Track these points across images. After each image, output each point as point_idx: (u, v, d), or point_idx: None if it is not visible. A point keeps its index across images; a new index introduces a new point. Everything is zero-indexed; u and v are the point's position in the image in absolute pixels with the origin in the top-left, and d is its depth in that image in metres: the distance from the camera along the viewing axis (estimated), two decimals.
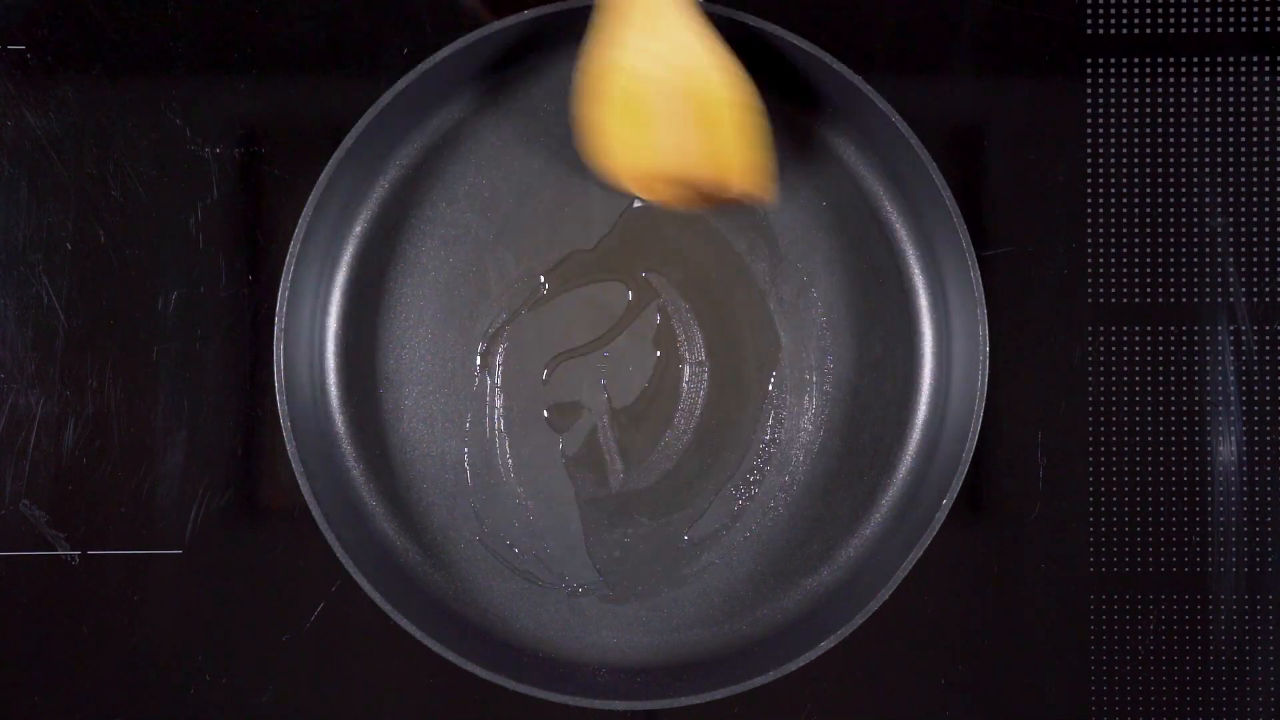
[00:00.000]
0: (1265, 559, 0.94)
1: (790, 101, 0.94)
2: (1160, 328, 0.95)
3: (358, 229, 0.94)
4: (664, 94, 0.81)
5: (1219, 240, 0.95)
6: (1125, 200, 0.96)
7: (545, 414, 0.94)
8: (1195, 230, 0.95)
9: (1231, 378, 0.95)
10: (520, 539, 0.94)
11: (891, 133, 0.89)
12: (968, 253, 0.89)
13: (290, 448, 0.88)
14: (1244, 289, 0.95)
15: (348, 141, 0.89)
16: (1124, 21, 0.96)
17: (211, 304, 0.95)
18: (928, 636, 0.95)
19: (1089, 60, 0.96)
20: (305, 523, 0.91)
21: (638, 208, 0.93)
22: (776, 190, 0.90)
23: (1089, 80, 0.96)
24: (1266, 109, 0.95)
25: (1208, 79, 0.95)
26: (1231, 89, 0.95)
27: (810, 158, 0.94)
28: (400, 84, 0.89)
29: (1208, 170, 0.95)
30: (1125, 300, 0.95)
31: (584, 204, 0.93)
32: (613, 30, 0.81)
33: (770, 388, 0.94)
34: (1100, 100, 0.96)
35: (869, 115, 0.90)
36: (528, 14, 0.89)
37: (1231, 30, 0.96)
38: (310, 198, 0.89)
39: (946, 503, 0.88)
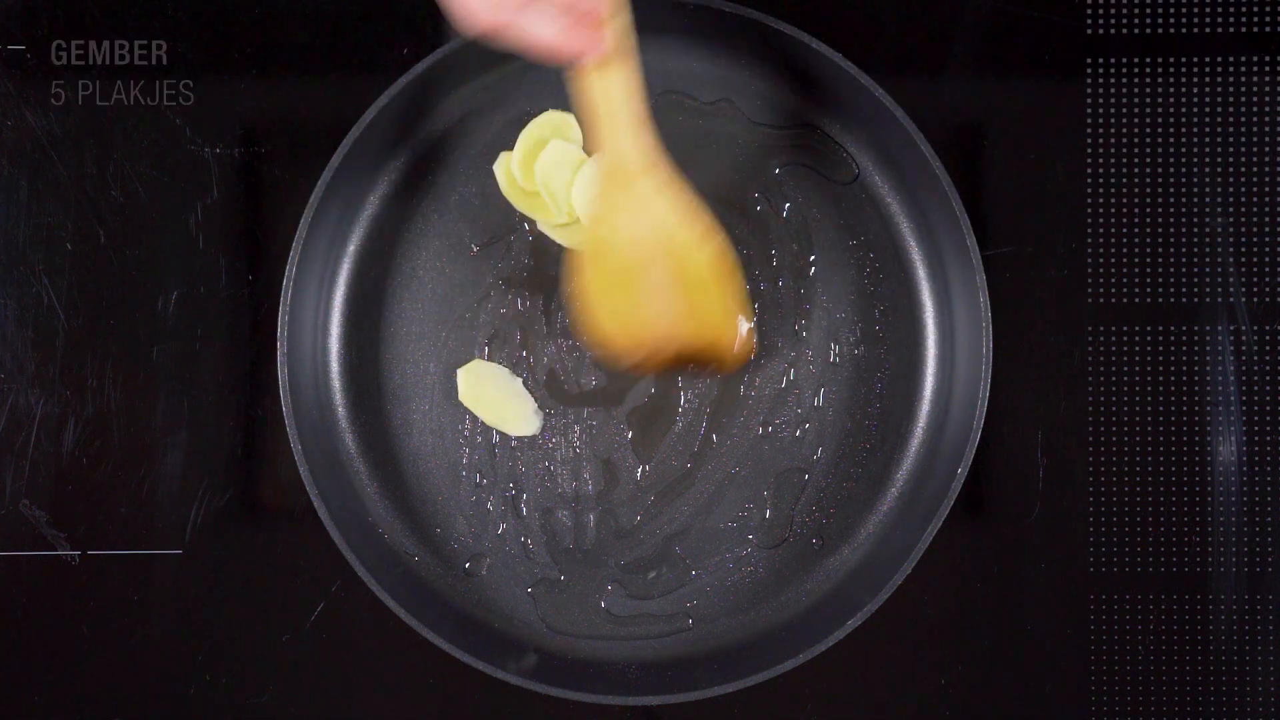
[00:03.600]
0: (1265, 559, 0.94)
1: (796, 100, 0.94)
2: (1160, 328, 0.95)
3: (359, 229, 0.94)
4: (647, 262, 0.85)
5: (1219, 240, 0.95)
6: (1125, 200, 0.96)
7: (549, 413, 0.94)
8: (1195, 230, 0.95)
9: (1231, 378, 0.95)
10: (534, 535, 0.94)
11: (898, 133, 0.90)
12: (972, 253, 0.89)
13: (295, 448, 0.88)
14: (1244, 289, 0.95)
15: (348, 142, 0.89)
16: (1124, 21, 0.96)
17: (211, 304, 0.95)
18: (928, 636, 0.95)
19: (1089, 60, 0.96)
20: (305, 523, 0.91)
21: None
22: (757, 347, 0.92)
23: (1089, 80, 0.96)
24: (1266, 109, 0.95)
25: (1208, 79, 0.95)
26: (1231, 89, 0.95)
27: (814, 159, 0.94)
28: (400, 84, 0.89)
29: (1208, 170, 0.95)
30: (1125, 300, 0.95)
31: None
32: (608, 199, 0.84)
33: (774, 388, 0.94)
34: (1100, 100, 0.96)
35: (875, 114, 0.90)
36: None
37: (1231, 30, 0.96)
38: (311, 198, 0.89)
39: (946, 503, 0.88)
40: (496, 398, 0.93)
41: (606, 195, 0.84)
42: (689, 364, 0.91)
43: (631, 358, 0.88)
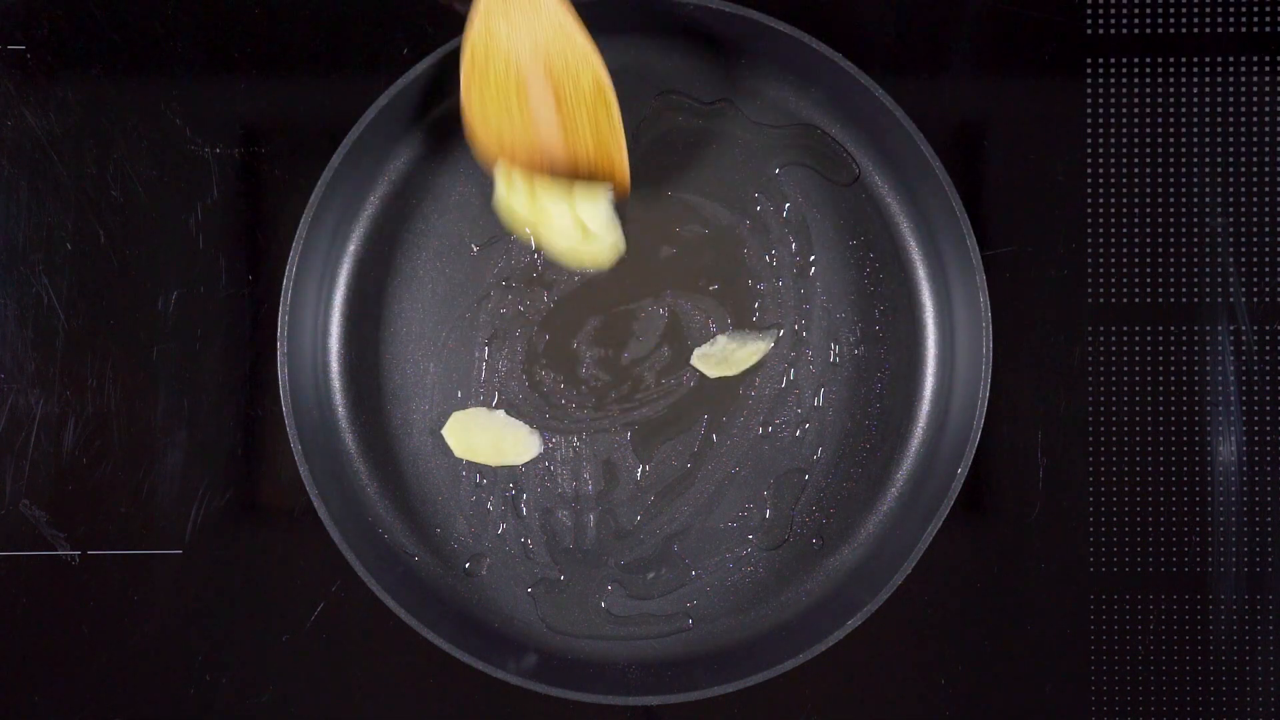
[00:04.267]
0: (1265, 559, 0.94)
1: (796, 100, 0.94)
2: (1160, 328, 0.95)
3: (359, 229, 0.94)
4: (533, 78, 0.87)
5: (1219, 240, 0.95)
6: (1125, 200, 0.96)
7: (550, 412, 0.94)
8: (1195, 230, 0.95)
9: (1231, 378, 0.95)
10: (533, 535, 0.94)
11: (898, 133, 0.90)
12: (972, 253, 0.89)
13: (295, 448, 0.88)
14: (1244, 289, 0.95)
15: (348, 141, 0.89)
16: (1124, 21, 0.96)
17: (211, 304, 0.95)
18: (928, 636, 0.95)
19: (1089, 60, 0.96)
20: (305, 523, 0.91)
21: (633, 210, 0.93)
22: (629, 182, 0.91)
23: (1089, 80, 0.96)
24: (1266, 109, 0.95)
25: (1208, 79, 0.95)
26: (1231, 89, 0.95)
27: (814, 159, 0.94)
28: (399, 84, 0.89)
29: (1208, 170, 0.95)
30: (1125, 300, 0.95)
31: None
32: (491, 11, 0.85)
33: (774, 389, 0.94)
34: (1100, 100, 0.96)
35: (875, 114, 0.90)
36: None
37: (1231, 30, 0.96)
38: (311, 198, 0.89)
39: (946, 503, 0.88)
40: (487, 440, 0.93)
41: (503, 9, 0.86)
42: (569, 178, 0.91)
43: (510, 165, 0.89)
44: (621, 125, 0.89)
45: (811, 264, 0.94)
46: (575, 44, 0.86)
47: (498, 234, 0.94)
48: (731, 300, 0.94)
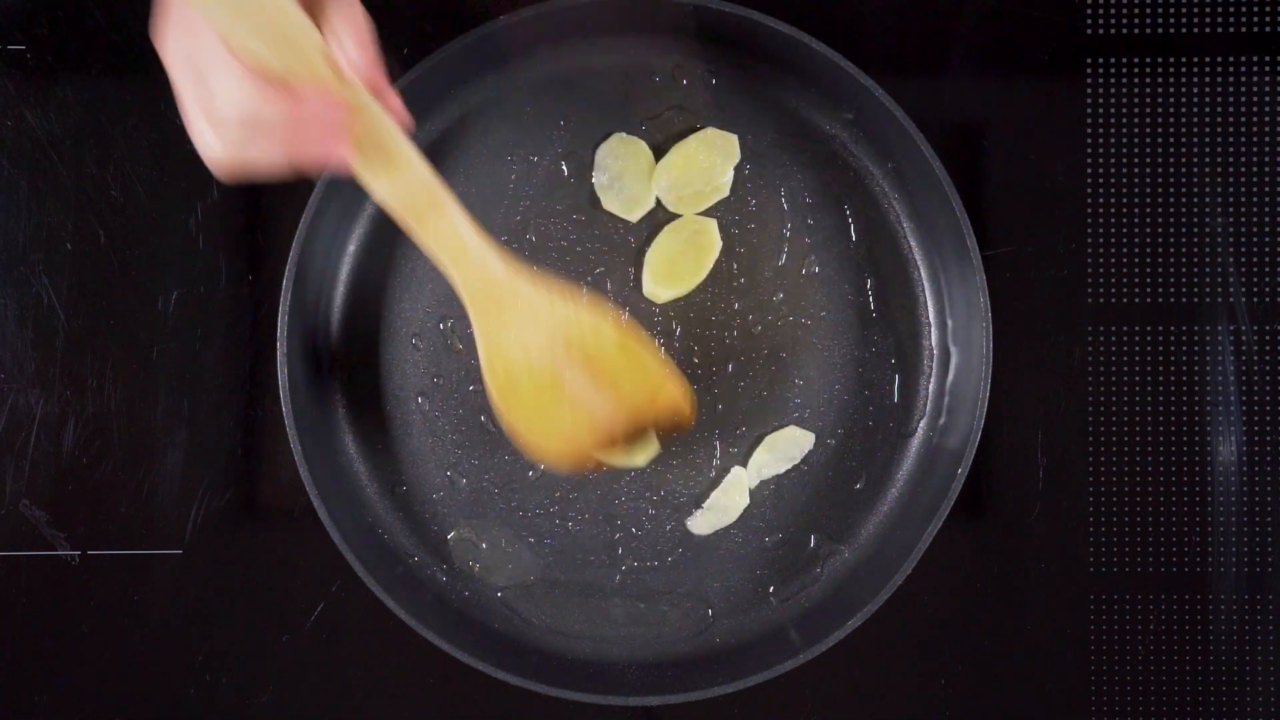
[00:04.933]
0: (1265, 559, 0.94)
1: (796, 100, 0.94)
2: (1160, 328, 0.95)
3: (359, 229, 0.94)
4: (557, 368, 0.80)
5: (1219, 240, 0.95)
6: (1125, 200, 0.96)
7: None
8: (1195, 230, 0.95)
9: (1231, 378, 0.95)
10: (541, 533, 0.94)
11: (898, 133, 0.90)
12: (972, 253, 0.89)
13: (295, 448, 0.88)
14: (1244, 289, 0.95)
15: None
16: (1124, 21, 0.96)
17: (211, 304, 0.95)
18: (928, 636, 0.95)
19: (1089, 60, 0.96)
20: (305, 523, 0.91)
21: (636, 222, 0.93)
22: (692, 405, 0.88)
23: (1089, 80, 0.96)
24: (1266, 109, 0.95)
25: (1208, 79, 0.95)
26: (1231, 89, 0.95)
27: (814, 159, 0.94)
28: (399, 84, 0.88)
29: (1208, 170, 0.95)
30: (1125, 300, 0.95)
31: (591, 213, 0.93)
32: (490, 332, 0.80)
33: (774, 390, 0.94)
34: (1100, 100, 0.96)
35: (875, 114, 0.91)
36: (528, 11, 0.89)
37: (1231, 30, 0.96)
38: (311, 198, 0.89)
39: (946, 503, 0.88)
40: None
41: (484, 321, 0.80)
42: (646, 432, 0.88)
43: (588, 460, 0.85)
44: (659, 355, 0.84)
45: (811, 264, 0.94)
46: (577, 317, 0.80)
47: (498, 235, 0.94)
48: (731, 300, 0.94)
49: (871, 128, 0.93)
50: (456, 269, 0.78)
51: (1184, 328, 0.95)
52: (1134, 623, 0.95)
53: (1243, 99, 0.95)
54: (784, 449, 0.93)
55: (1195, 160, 0.95)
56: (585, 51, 0.93)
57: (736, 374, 0.94)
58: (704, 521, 0.93)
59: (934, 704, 0.95)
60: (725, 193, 0.93)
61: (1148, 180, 0.96)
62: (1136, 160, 0.96)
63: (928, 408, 0.94)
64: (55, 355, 0.95)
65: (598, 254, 0.94)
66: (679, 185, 0.93)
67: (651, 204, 0.93)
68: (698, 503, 0.93)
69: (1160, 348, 0.95)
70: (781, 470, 0.93)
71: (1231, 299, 0.95)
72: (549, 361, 0.80)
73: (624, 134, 0.92)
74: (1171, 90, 0.96)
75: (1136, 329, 0.95)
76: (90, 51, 0.95)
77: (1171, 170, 0.95)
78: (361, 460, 0.94)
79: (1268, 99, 0.95)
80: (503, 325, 0.79)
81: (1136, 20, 0.96)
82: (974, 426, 0.89)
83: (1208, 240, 0.95)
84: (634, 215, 0.93)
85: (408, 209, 0.76)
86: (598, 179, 0.93)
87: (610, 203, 0.93)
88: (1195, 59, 0.95)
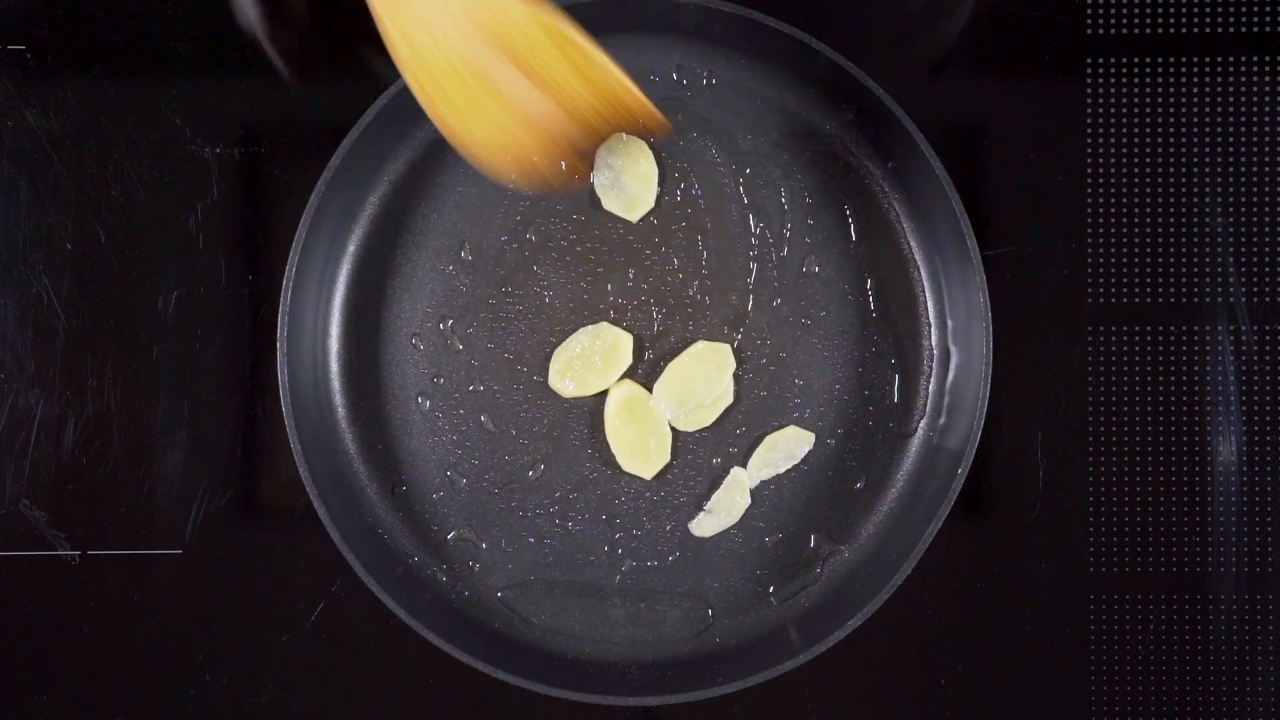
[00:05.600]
0: (1265, 559, 0.94)
1: (796, 100, 0.94)
2: (1160, 328, 0.95)
3: (359, 229, 0.94)
4: (480, 60, 0.71)
5: (1219, 240, 0.95)
6: (1125, 200, 0.96)
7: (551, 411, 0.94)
8: (1195, 230, 0.95)
9: (1231, 378, 0.95)
10: (542, 534, 0.94)
11: (898, 133, 0.90)
12: (972, 253, 0.89)
13: (295, 448, 0.88)
14: (1244, 289, 0.95)
15: (348, 141, 0.89)
16: (1124, 21, 0.96)
17: (211, 304, 0.95)
18: (928, 636, 0.95)
19: (1089, 60, 0.96)
20: (305, 523, 0.91)
21: (637, 222, 0.93)
22: (656, 113, 0.81)
23: (1089, 80, 0.96)
24: (1266, 109, 0.95)
25: (1208, 79, 0.95)
26: (1231, 89, 0.95)
27: (814, 159, 0.94)
28: (400, 84, 0.88)
29: (1208, 170, 0.95)
30: (1125, 300, 0.95)
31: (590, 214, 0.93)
32: (396, 23, 0.72)
33: (774, 390, 0.94)
34: (1100, 100, 0.96)
35: (875, 114, 0.91)
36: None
37: (1231, 30, 0.96)
38: (311, 198, 0.89)
39: (946, 503, 0.88)
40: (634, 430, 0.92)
41: (387, 10, 0.72)
42: (601, 135, 0.80)
43: (538, 167, 0.77)
44: (608, 60, 0.75)
45: (811, 264, 0.94)
46: (498, 5, 0.70)
47: (498, 235, 0.94)
48: (731, 300, 0.94)
49: (871, 128, 0.93)
50: None
51: (1184, 328, 0.95)
52: (1134, 623, 0.94)
53: (1243, 99, 0.95)
54: (784, 449, 0.93)
55: (1195, 160, 0.95)
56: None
57: (736, 374, 0.93)
58: (706, 524, 0.93)
59: (934, 704, 0.95)
60: (730, 399, 0.93)
61: (1148, 180, 0.96)
62: (1136, 160, 0.96)
63: (928, 408, 0.94)
64: (55, 355, 0.95)
65: (598, 254, 0.94)
66: (683, 403, 0.93)
67: (651, 204, 0.93)
68: (698, 503, 0.93)
69: (1160, 348, 0.95)
70: (781, 470, 0.93)
71: (1231, 299, 0.95)
72: (464, 49, 0.71)
73: (624, 134, 0.92)
74: (1171, 90, 0.95)
75: (1136, 329, 0.95)
76: (90, 51, 0.95)
77: (1171, 170, 0.95)
78: (361, 460, 0.94)
79: (1268, 99, 0.95)
80: (408, 11, 0.71)
81: (1136, 20, 0.96)
82: (974, 426, 0.89)
83: (1208, 240, 0.95)
84: (634, 215, 0.93)
85: None
86: (598, 179, 0.93)
87: (610, 203, 0.93)
88: (1195, 59, 0.95)
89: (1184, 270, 0.95)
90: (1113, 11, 0.96)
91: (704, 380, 0.92)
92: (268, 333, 0.91)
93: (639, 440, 0.92)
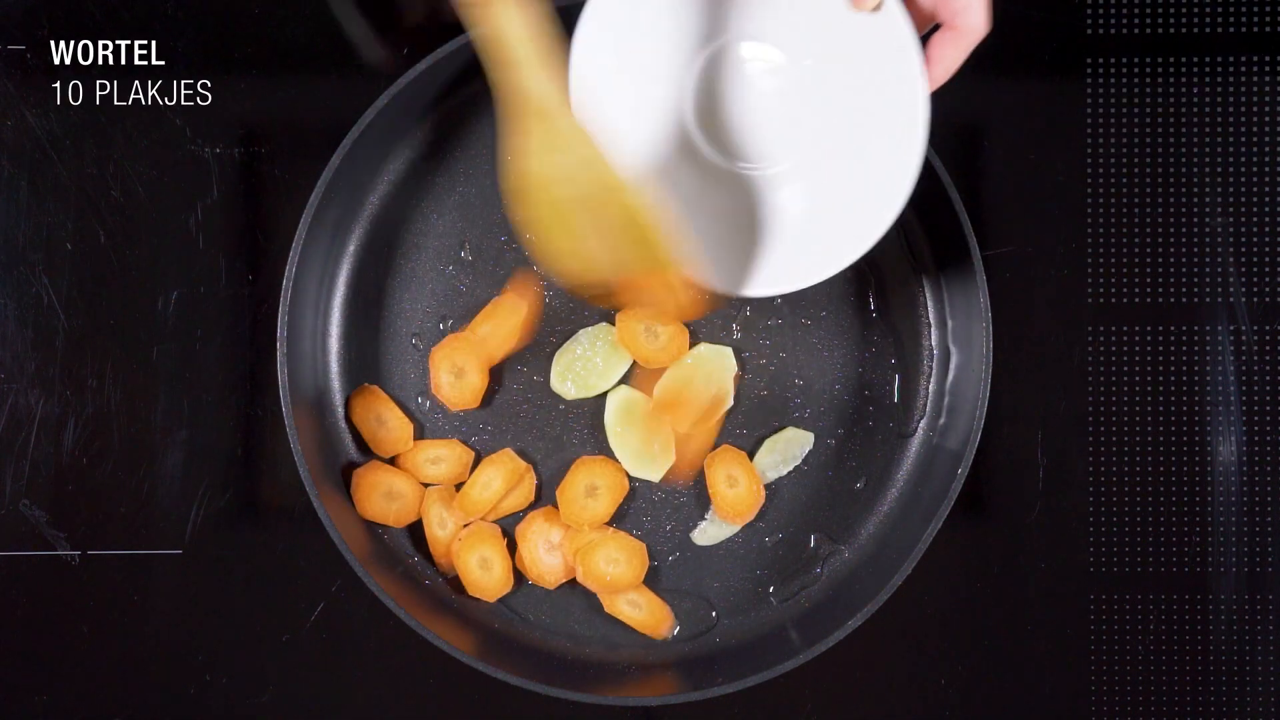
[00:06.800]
0: (1265, 559, 0.94)
1: None
2: (1160, 328, 0.95)
3: (359, 229, 0.94)
4: (581, 201, 0.80)
5: (1219, 240, 0.95)
6: (1125, 200, 0.96)
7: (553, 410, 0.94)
8: (1195, 230, 0.95)
9: (1231, 378, 0.95)
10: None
11: None
12: (973, 253, 0.89)
13: (295, 448, 0.88)
14: (1244, 289, 0.95)
15: (348, 141, 0.89)
16: (1124, 21, 0.96)
17: (211, 304, 0.95)
18: (928, 636, 0.95)
19: (1089, 60, 0.96)
20: (305, 523, 0.91)
21: None
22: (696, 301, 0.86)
23: (1089, 80, 0.96)
24: (1266, 109, 0.95)
25: (1208, 79, 0.95)
26: (1231, 89, 0.95)
27: None
28: (399, 84, 0.88)
29: (1208, 170, 0.95)
30: (1125, 300, 0.95)
31: None
32: (519, 140, 0.80)
33: (774, 389, 0.94)
34: (1100, 100, 0.96)
35: None
36: None
37: (1231, 30, 0.96)
38: (311, 198, 0.89)
39: (946, 503, 0.88)
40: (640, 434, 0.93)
41: (528, 131, 0.79)
42: (639, 298, 0.87)
43: (589, 287, 0.85)
44: (674, 258, 0.82)
45: None
46: (608, 168, 0.80)
47: (498, 235, 0.94)
48: (731, 300, 0.94)
49: None
50: (519, 65, 0.77)
51: (1184, 328, 0.95)
52: (1134, 623, 0.95)
53: (1243, 99, 0.95)
54: (784, 449, 0.93)
55: (1195, 160, 0.95)
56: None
57: (736, 375, 0.93)
58: (707, 534, 0.93)
59: (934, 704, 0.95)
60: (730, 402, 0.93)
61: (1148, 180, 0.96)
62: (1136, 160, 0.96)
63: (928, 408, 0.94)
64: (55, 355, 0.95)
65: None
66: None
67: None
68: (698, 503, 0.93)
69: (1160, 348, 0.95)
70: (782, 471, 0.93)
71: (1231, 299, 0.95)
72: (574, 184, 0.80)
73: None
74: (1171, 90, 0.96)
75: (1136, 329, 0.95)
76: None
77: (1171, 170, 0.95)
78: (361, 460, 0.94)
79: (1268, 99, 0.95)
80: (545, 135, 0.79)
81: (1136, 20, 0.96)
82: (974, 426, 0.89)
83: (1208, 240, 0.95)
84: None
85: None
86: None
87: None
88: (1195, 59, 0.95)
89: (1184, 270, 0.95)
90: (1112, 11, 0.96)
91: (705, 382, 0.92)
92: (268, 333, 0.91)
93: (643, 444, 0.92)
